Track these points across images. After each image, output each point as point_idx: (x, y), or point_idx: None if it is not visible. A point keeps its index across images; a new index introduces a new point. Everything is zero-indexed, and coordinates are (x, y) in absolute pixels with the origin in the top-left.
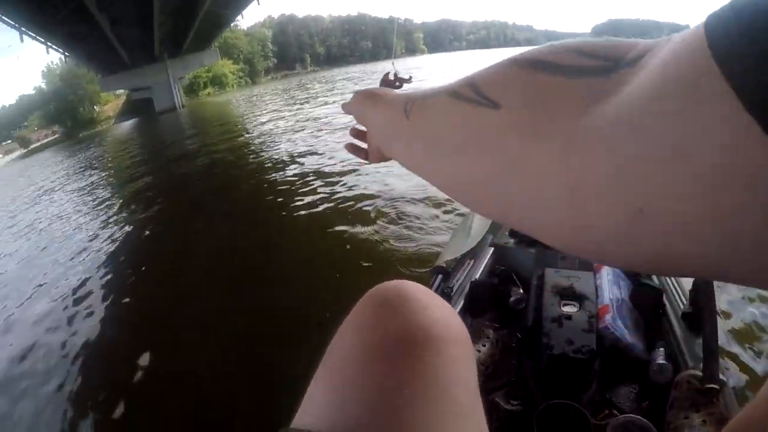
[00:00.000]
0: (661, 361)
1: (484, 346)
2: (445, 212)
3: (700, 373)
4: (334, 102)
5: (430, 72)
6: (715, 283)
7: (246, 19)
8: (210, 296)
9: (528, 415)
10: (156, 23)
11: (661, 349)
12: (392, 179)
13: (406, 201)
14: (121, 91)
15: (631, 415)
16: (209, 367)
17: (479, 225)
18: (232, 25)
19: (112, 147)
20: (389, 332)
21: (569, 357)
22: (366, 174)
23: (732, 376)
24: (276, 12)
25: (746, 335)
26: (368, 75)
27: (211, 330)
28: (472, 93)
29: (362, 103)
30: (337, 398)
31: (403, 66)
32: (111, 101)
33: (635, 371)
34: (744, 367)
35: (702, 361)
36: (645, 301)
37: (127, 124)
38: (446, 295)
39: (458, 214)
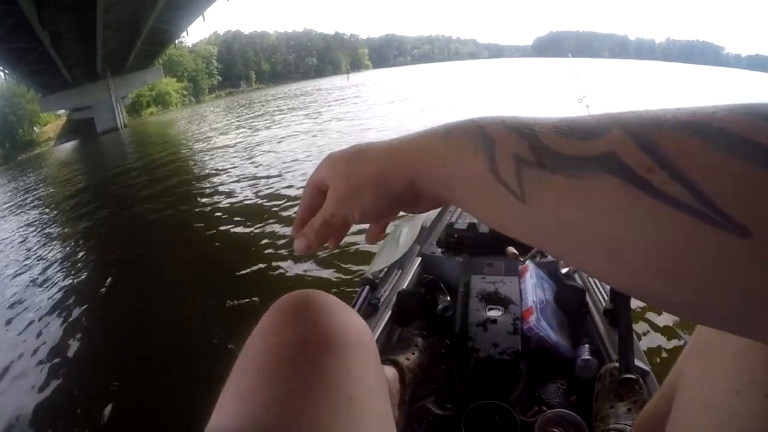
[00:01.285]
0: (586, 357)
1: (413, 354)
2: None
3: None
4: (278, 122)
5: (377, 86)
6: None
7: (191, 36)
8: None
9: (458, 418)
10: (99, 39)
11: (586, 345)
12: None
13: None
14: (63, 111)
15: (560, 410)
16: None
17: (407, 235)
18: (176, 41)
19: (51, 172)
20: (294, 338)
21: (495, 359)
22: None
23: (657, 364)
24: (222, 28)
25: (673, 326)
26: (312, 92)
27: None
28: (679, 190)
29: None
30: (244, 403)
31: (345, 82)
32: (51, 122)
33: (562, 368)
34: (670, 356)
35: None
36: (569, 301)
37: (68, 146)
38: (373, 306)
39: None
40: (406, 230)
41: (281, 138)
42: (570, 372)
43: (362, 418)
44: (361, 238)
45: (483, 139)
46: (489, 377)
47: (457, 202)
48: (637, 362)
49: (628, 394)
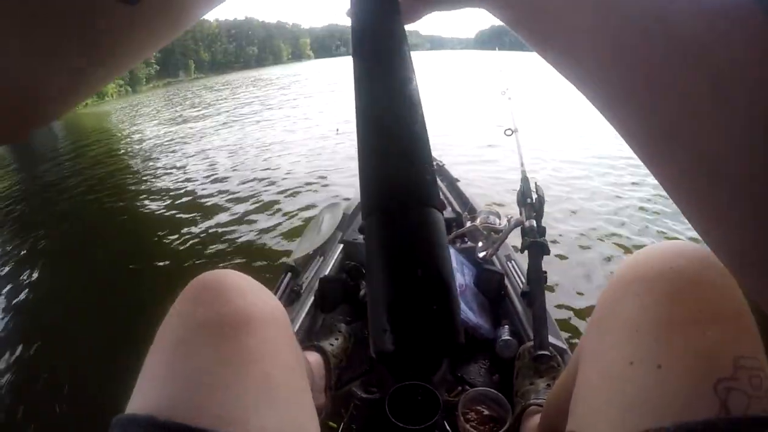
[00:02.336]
0: (506, 337)
1: (337, 339)
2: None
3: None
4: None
5: (311, 80)
6: (548, 260)
7: None
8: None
9: (384, 401)
10: None
11: (506, 326)
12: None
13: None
14: None
15: (482, 388)
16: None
17: (329, 222)
18: None
19: None
20: (208, 316)
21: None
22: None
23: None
24: None
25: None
26: (251, 83)
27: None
28: None
29: None
30: (161, 381)
31: (285, 71)
32: None
33: (483, 349)
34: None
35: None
36: (489, 285)
37: None
38: (296, 292)
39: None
40: (328, 217)
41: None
42: (491, 352)
43: (278, 393)
44: (284, 223)
45: None
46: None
47: None
48: (554, 340)
49: (547, 370)
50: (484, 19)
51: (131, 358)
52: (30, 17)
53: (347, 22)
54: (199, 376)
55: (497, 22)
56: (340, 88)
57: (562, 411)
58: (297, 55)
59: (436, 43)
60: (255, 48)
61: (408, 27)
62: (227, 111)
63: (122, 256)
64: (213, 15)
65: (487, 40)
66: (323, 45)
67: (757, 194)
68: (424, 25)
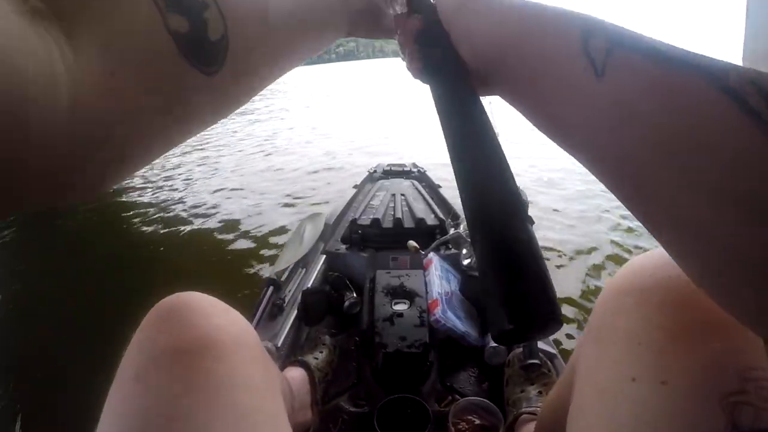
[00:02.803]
0: (494, 345)
1: (322, 353)
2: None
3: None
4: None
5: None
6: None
7: None
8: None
9: (372, 414)
10: None
11: None
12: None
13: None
14: None
15: (472, 397)
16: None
17: (311, 233)
18: None
19: None
20: (169, 344)
21: (404, 352)
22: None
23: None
24: None
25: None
26: None
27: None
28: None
29: None
30: (123, 415)
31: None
32: None
33: (472, 357)
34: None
35: None
36: (475, 291)
37: None
38: (278, 306)
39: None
40: (309, 227)
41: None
42: (480, 360)
43: (249, 420)
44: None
45: (585, 17)
46: (399, 371)
47: (527, 71)
48: (544, 346)
49: (538, 377)
50: None
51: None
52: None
53: None
54: (162, 408)
55: None
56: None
57: (559, 423)
58: None
59: None
60: None
61: None
62: None
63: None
64: None
65: None
66: None
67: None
68: None
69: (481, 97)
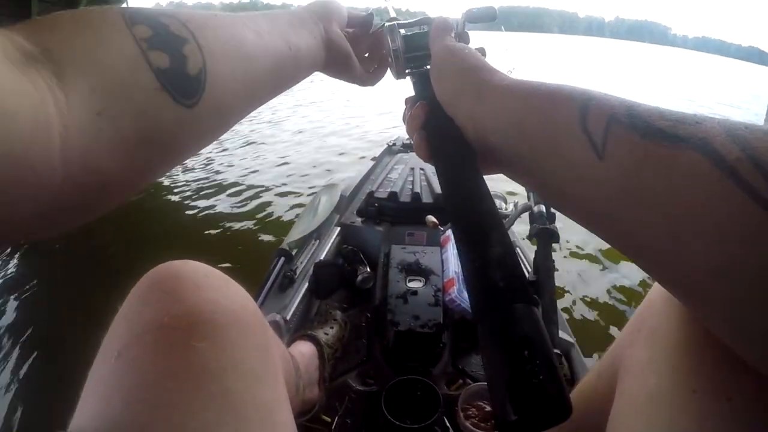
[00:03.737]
0: None
1: (332, 328)
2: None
3: None
4: None
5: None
6: (558, 251)
7: (132, 4)
8: None
9: (380, 393)
10: (35, 9)
11: None
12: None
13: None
14: None
15: (484, 383)
16: None
17: (326, 204)
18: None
19: None
20: (157, 318)
21: (416, 332)
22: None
23: (584, 338)
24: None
25: (600, 302)
26: None
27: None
28: (764, 185)
29: (457, 73)
30: (103, 398)
31: None
32: None
33: None
34: (597, 331)
35: None
36: None
37: None
38: (289, 278)
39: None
40: (324, 198)
41: None
42: None
43: (241, 410)
44: (279, 206)
45: (583, 94)
46: (411, 350)
47: (529, 150)
48: (563, 335)
49: None
50: (492, 0)
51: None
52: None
53: (350, 2)
54: (142, 394)
55: (506, 2)
56: None
57: (589, 417)
58: None
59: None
60: None
61: (414, 8)
62: None
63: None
64: None
65: (495, 21)
66: None
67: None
68: (430, 7)
69: (509, 72)
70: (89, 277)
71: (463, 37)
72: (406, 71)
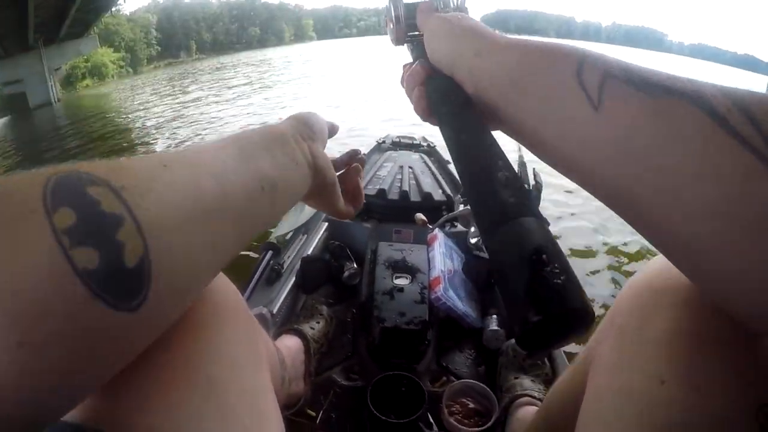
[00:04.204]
0: (494, 328)
1: (318, 323)
2: None
3: None
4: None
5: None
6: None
7: (129, 4)
8: None
9: (365, 389)
10: (31, 7)
11: (494, 316)
12: None
13: None
14: None
15: (468, 380)
16: None
17: None
18: (113, 9)
19: None
20: None
21: (402, 329)
22: None
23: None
24: None
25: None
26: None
27: None
28: (752, 132)
29: (455, 35)
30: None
31: (286, 53)
32: None
33: (470, 339)
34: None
35: None
36: (478, 272)
37: None
38: (276, 272)
39: None
40: None
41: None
42: (478, 343)
43: (223, 398)
44: None
45: (578, 50)
46: (396, 347)
47: (527, 105)
48: None
49: (531, 367)
50: (490, 3)
51: None
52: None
53: (351, 3)
54: (126, 385)
55: (503, 5)
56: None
57: (566, 415)
58: (299, 36)
59: None
60: (257, 29)
61: None
62: None
63: None
64: None
65: (492, 24)
66: (326, 26)
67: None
68: None
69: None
70: None
71: (462, 10)
72: (406, 37)
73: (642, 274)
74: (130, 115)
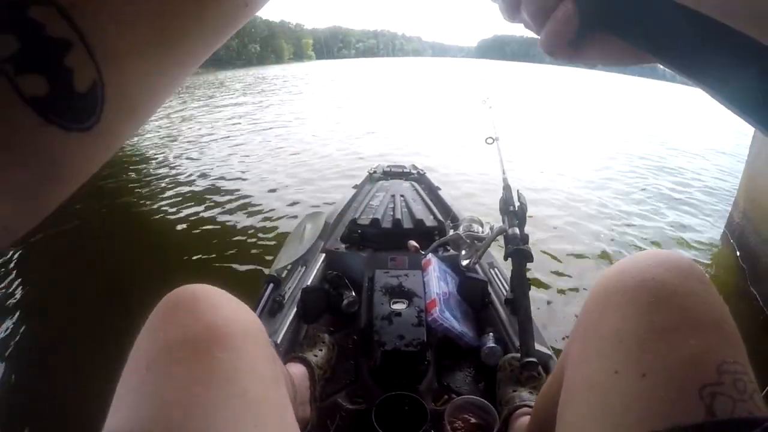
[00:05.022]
0: (491, 345)
1: (321, 350)
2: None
3: (519, 355)
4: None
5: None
6: (532, 268)
7: None
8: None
9: (370, 411)
10: None
11: (491, 334)
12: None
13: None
14: None
15: (468, 396)
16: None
17: (311, 231)
18: None
19: None
20: (181, 333)
21: (401, 351)
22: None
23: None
24: None
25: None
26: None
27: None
28: None
29: None
30: (136, 403)
31: (284, 72)
32: None
33: (469, 357)
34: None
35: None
36: (472, 292)
37: None
38: (278, 303)
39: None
40: (309, 226)
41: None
42: (476, 360)
43: (258, 410)
44: (267, 235)
45: None
46: (397, 369)
47: None
48: (540, 347)
49: (528, 380)
50: (487, 28)
51: (109, 375)
52: None
53: (351, 24)
54: (174, 396)
55: (500, 31)
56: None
57: (551, 416)
58: (299, 55)
59: (438, 50)
60: (257, 46)
61: (411, 32)
62: None
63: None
64: None
65: (489, 50)
66: (326, 46)
67: None
68: (427, 32)
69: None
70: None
71: None
72: None
73: (601, 278)
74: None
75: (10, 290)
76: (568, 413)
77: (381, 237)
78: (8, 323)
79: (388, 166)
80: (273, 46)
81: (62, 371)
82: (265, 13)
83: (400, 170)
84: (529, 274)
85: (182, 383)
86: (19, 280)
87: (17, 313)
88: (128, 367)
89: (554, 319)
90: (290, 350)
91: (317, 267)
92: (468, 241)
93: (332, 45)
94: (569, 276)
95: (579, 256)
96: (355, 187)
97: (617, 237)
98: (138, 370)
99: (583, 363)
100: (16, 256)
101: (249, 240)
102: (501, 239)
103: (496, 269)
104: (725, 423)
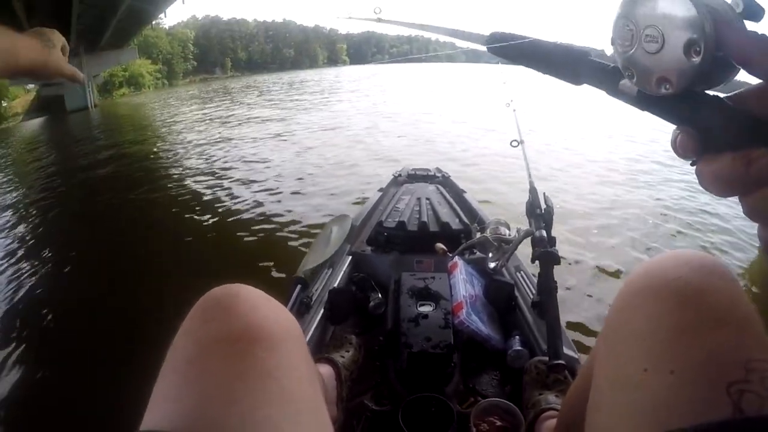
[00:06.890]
0: (517, 348)
1: (348, 352)
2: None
3: (546, 358)
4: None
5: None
6: (559, 271)
7: (169, 18)
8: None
9: (396, 413)
10: (74, 14)
11: (517, 337)
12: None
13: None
14: (32, 86)
15: (494, 399)
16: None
17: (338, 234)
18: (154, 22)
19: (16, 149)
20: (221, 331)
21: (428, 353)
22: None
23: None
24: (201, 12)
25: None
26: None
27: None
28: None
29: None
30: (176, 399)
31: (319, 76)
32: (20, 96)
33: (495, 360)
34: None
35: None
36: (498, 295)
37: (36, 122)
38: (305, 304)
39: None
40: (336, 229)
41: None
42: (503, 363)
43: (296, 407)
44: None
45: None
46: (424, 371)
47: None
48: (567, 350)
49: (555, 383)
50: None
51: (145, 374)
52: None
53: (385, 29)
54: (215, 392)
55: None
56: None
57: (579, 417)
58: (333, 60)
59: (471, 56)
60: (291, 50)
61: (444, 38)
62: None
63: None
64: (251, 14)
65: None
66: (359, 51)
67: None
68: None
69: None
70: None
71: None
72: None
73: (628, 278)
74: (162, 133)
75: (53, 290)
76: (597, 414)
77: (407, 240)
78: (49, 323)
79: (413, 169)
80: (307, 50)
81: (100, 373)
82: (299, 18)
83: (425, 173)
84: (556, 278)
85: (222, 379)
86: (63, 279)
87: (53, 314)
88: (166, 365)
89: (578, 322)
90: (317, 351)
91: (344, 269)
92: (495, 243)
93: (366, 50)
94: (599, 280)
95: (607, 268)
96: (380, 190)
97: (648, 236)
98: (177, 367)
99: (612, 363)
100: (60, 257)
101: (280, 243)
102: (528, 242)
103: (522, 272)
104: (753, 420)
